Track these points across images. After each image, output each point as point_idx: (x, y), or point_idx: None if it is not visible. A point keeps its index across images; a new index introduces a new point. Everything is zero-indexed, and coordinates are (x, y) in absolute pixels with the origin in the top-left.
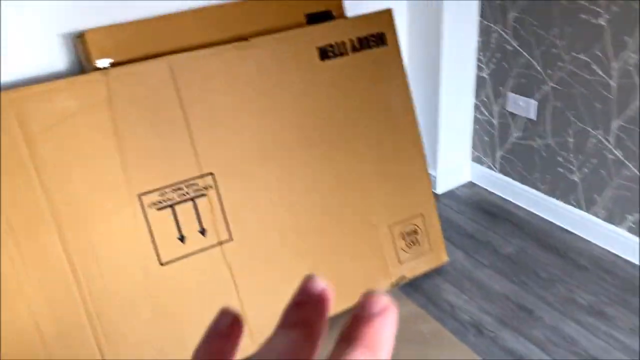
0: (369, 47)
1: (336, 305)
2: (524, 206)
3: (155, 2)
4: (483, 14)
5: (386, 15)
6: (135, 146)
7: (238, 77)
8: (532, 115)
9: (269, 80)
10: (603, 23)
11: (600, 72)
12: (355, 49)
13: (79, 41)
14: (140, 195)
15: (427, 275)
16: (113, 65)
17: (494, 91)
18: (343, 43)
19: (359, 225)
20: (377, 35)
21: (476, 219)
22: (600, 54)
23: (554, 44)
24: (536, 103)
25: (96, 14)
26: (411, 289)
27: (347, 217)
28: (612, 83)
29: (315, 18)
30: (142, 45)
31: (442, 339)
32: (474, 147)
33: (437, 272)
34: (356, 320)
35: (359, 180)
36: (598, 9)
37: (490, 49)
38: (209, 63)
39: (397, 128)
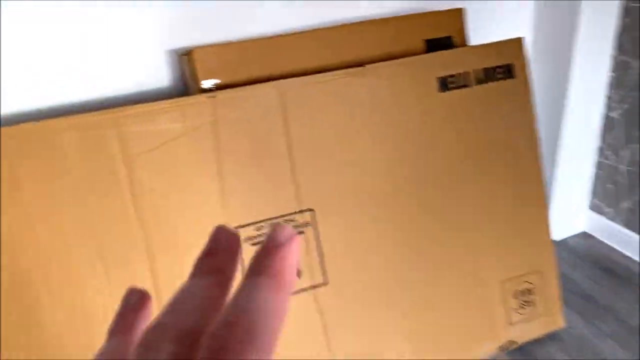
0: (495, 79)
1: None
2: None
3: (266, 22)
4: (620, 47)
5: (516, 44)
6: (235, 175)
7: (349, 106)
8: None
9: (382, 112)
10: None
11: None
12: (479, 81)
13: (185, 59)
14: (236, 228)
15: (538, 341)
16: (218, 86)
17: (626, 134)
18: (466, 73)
19: (466, 280)
20: (505, 66)
21: (595, 278)
22: None
23: None
24: None
25: (203, 30)
26: (521, 356)
27: (453, 269)
28: None
29: (435, 45)
30: (250, 67)
31: None
32: (595, 194)
33: (551, 338)
34: (262, 252)
35: (470, 227)
36: None
37: (625, 87)
38: (320, 90)
39: (520, 171)
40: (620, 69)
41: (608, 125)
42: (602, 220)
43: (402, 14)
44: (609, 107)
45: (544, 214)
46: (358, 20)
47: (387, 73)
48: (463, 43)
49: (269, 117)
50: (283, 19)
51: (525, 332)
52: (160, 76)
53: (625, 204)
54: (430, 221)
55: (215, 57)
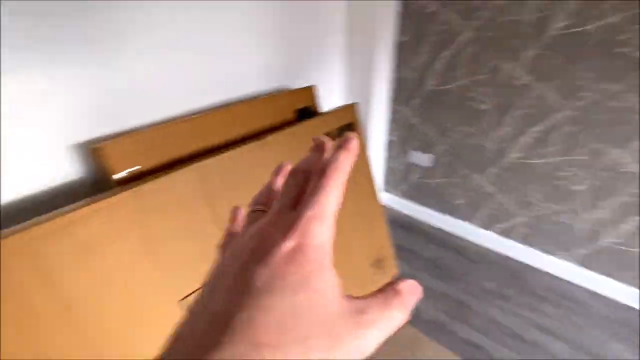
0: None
1: None
2: (425, 221)
3: (168, 108)
4: (393, 98)
5: (351, 108)
6: (169, 256)
7: (259, 174)
8: (429, 164)
9: None
10: (484, 108)
11: (484, 140)
12: (335, 138)
13: (94, 152)
14: (180, 302)
15: None
16: (131, 175)
17: (399, 152)
18: (329, 134)
19: (346, 262)
20: (348, 125)
21: (399, 234)
22: (478, 130)
23: (446, 121)
24: (433, 156)
25: (108, 122)
26: None
27: (339, 256)
28: (489, 146)
29: (302, 113)
30: (158, 151)
31: (420, 344)
32: (385, 182)
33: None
34: (344, 138)
35: (342, 227)
36: (482, 99)
37: (398, 122)
38: (234, 164)
39: (362, 189)
40: (395, 112)
41: (389, 144)
42: (392, 197)
43: (272, 91)
44: (390, 132)
45: (380, 211)
46: (243, 99)
47: (287, 140)
48: (317, 111)
49: (191, 198)
50: (179, 106)
51: (382, 284)
52: (69, 171)
53: (402, 187)
54: None
55: (123, 147)
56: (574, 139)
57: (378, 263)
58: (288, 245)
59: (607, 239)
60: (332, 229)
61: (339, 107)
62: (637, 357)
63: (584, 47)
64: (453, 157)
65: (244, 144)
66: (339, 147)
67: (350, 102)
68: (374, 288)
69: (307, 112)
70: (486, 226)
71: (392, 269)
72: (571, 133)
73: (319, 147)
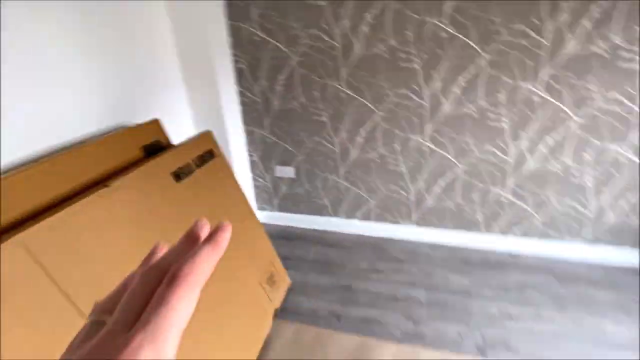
0: (207, 160)
1: (227, 355)
2: (301, 227)
3: None
4: (245, 121)
5: (208, 135)
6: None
7: (108, 223)
8: (293, 175)
9: (139, 215)
10: (324, 119)
11: (331, 145)
12: (198, 165)
13: None
14: None
15: (286, 299)
16: None
17: (265, 167)
18: (189, 164)
19: (237, 287)
20: (208, 151)
21: (282, 244)
22: (324, 138)
23: (298, 134)
24: (295, 168)
25: None
26: (284, 313)
27: (230, 288)
28: (336, 149)
29: (150, 149)
30: None
31: (322, 338)
32: (258, 201)
33: (290, 292)
34: (214, 230)
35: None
36: (320, 112)
37: (255, 142)
38: (75, 223)
39: (239, 210)
40: (249, 133)
41: (252, 165)
42: (267, 213)
43: (111, 130)
44: (250, 154)
45: (260, 229)
46: (78, 143)
47: (133, 183)
48: (170, 144)
49: (22, 279)
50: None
51: (278, 298)
52: None
53: (275, 201)
54: None
55: None
56: (389, 134)
57: (270, 279)
58: None
59: (430, 202)
60: (173, 348)
61: (193, 136)
62: (468, 282)
63: (378, 64)
64: (311, 164)
65: (84, 195)
66: (206, 240)
67: (203, 130)
68: (270, 305)
69: (156, 146)
70: (349, 216)
71: (284, 281)
72: (385, 130)
73: (189, 237)
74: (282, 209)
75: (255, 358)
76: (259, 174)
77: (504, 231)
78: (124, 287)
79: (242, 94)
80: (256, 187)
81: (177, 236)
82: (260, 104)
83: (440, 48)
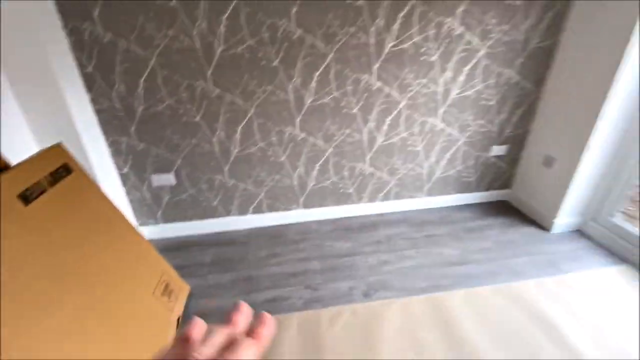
0: (62, 177)
1: None
2: (191, 233)
3: None
4: (105, 131)
5: (58, 148)
6: None
7: None
8: (174, 181)
9: None
10: (197, 120)
11: (210, 145)
12: (51, 183)
13: None
14: None
15: (188, 305)
16: None
17: (139, 178)
18: (39, 182)
19: (134, 308)
20: (62, 166)
21: (176, 255)
22: (202, 139)
23: (171, 138)
24: (174, 174)
25: None
26: (189, 319)
27: (125, 309)
28: (216, 149)
29: None
30: None
31: None
32: (138, 217)
33: (193, 297)
34: (257, 323)
35: (122, 273)
36: (192, 113)
37: (123, 153)
38: None
39: (112, 230)
40: (114, 144)
41: (123, 178)
42: (151, 228)
43: None
44: (120, 168)
45: (144, 243)
46: None
47: None
48: (6, 166)
49: None
50: None
51: (179, 307)
52: None
53: (159, 212)
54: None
55: None
56: (264, 128)
57: (166, 290)
58: None
59: (311, 185)
60: None
61: (39, 152)
62: (351, 244)
63: (242, 64)
64: (192, 168)
65: None
66: (250, 334)
67: (51, 144)
68: (172, 315)
69: None
70: (242, 212)
71: (183, 289)
72: (259, 125)
73: (231, 319)
74: (167, 219)
75: None
76: (134, 186)
77: (371, 198)
78: (220, 335)
79: (96, 102)
80: (132, 201)
81: (36, 271)
82: (122, 111)
83: (294, 48)
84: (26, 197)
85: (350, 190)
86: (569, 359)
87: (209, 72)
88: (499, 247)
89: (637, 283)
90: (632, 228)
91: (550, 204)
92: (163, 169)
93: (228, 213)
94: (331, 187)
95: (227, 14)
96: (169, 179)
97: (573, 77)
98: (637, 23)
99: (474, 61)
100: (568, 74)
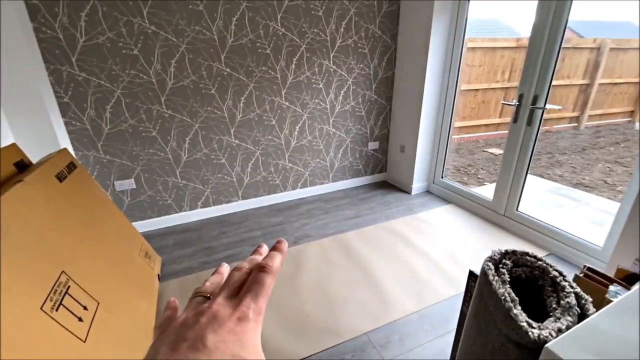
0: (72, 170)
1: (136, 301)
2: (151, 229)
3: None
4: (76, 147)
5: (66, 151)
6: None
7: (30, 208)
8: (133, 186)
9: (49, 204)
10: (154, 134)
11: (164, 154)
12: (68, 172)
13: None
14: None
15: (162, 270)
16: None
17: (104, 185)
18: (62, 170)
19: (128, 259)
20: (70, 164)
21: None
22: (158, 149)
23: (132, 150)
24: (133, 180)
25: None
26: (165, 277)
27: (124, 258)
28: (169, 156)
29: (20, 165)
30: None
31: (201, 275)
32: None
33: (164, 265)
34: (278, 243)
35: (112, 244)
36: (150, 129)
37: (90, 164)
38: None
39: (107, 207)
40: (83, 158)
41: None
42: None
43: None
44: (90, 174)
45: (126, 220)
46: None
47: (37, 179)
48: (30, 161)
49: None
50: None
51: (157, 267)
52: None
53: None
54: (97, 248)
55: None
56: (207, 138)
57: (146, 255)
58: (234, 319)
59: (247, 180)
60: (264, 308)
61: (53, 152)
62: (282, 219)
63: (187, 92)
64: (149, 173)
65: (3, 190)
66: (274, 249)
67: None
68: (153, 272)
69: (23, 164)
70: (192, 207)
71: (157, 258)
72: (203, 136)
73: (256, 251)
74: (129, 219)
75: (155, 305)
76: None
77: (294, 187)
78: (216, 276)
79: (68, 124)
80: None
81: (70, 223)
82: (91, 131)
83: (225, 80)
84: (60, 178)
85: (277, 182)
86: (418, 256)
87: (163, 99)
88: (379, 206)
89: (458, 213)
90: (454, 183)
91: (408, 177)
92: (125, 176)
93: (181, 209)
94: (262, 180)
95: (175, 59)
96: (129, 183)
97: (405, 93)
98: (427, 63)
99: (346, 87)
100: (402, 92)
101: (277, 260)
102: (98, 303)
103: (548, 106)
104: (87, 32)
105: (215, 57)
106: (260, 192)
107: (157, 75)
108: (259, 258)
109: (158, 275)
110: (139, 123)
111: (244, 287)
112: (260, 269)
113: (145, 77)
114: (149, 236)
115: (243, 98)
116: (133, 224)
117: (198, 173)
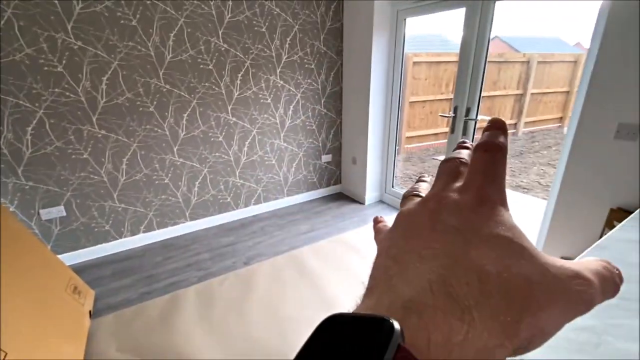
0: None
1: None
2: (87, 259)
3: None
4: None
5: None
6: None
7: None
8: (63, 213)
9: None
10: (85, 156)
11: (98, 177)
12: None
13: None
14: None
15: (96, 304)
16: None
17: (27, 214)
18: None
19: (48, 300)
20: None
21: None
22: (91, 172)
23: (60, 174)
24: (63, 206)
25: None
26: (99, 312)
27: (43, 300)
28: (105, 178)
29: None
30: None
31: (140, 308)
32: None
33: (99, 299)
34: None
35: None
36: (80, 151)
37: (9, 193)
38: None
39: (26, 243)
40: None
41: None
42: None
43: None
44: (5, 204)
45: (51, 254)
46: None
47: None
48: None
49: None
50: None
51: (89, 303)
52: None
53: (49, 246)
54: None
55: None
56: (146, 158)
57: (76, 290)
58: (473, 204)
59: (194, 200)
60: (504, 183)
61: None
62: (234, 238)
63: (123, 111)
64: (82, 198)
65: None
66: (487, 129)
67: None
68: (83, 308)
69: None
70: (134, 232)
71: (89, 292)
72: (142, 155)
73: (461, 146)
74: (60, 250)
75: (84, 347)
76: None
77: (246, 204)
78: (420, 183)
79: None
80: None
81: None
82: (8, 155)
83: (165, 97)
84: None
85: (228, 200)
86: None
87: (95, 118)
88: (334, 219)
89: None
90: (405, 191)
91: (361, 188)
92: (53, 203)
93: (121, 235)
94: (212, 199)
95: (107, 75)
96: (58, 211)
97: (353, 107)
98: (370, 77)
99: (295, 101)
100: (350, 105)
101: (501, 137)
102: (6, 353)
103: (480, 117)
104: (2, 48)
105: (152, 73)
106: (211, 212)
107: (86, 94)
108: (464, 152)
109: (90, 311)
110: (66, 145)
111: (467, 173)
112: (486, 147)
113: (72, 95)
114: (83, 267)
115: (186, 115)
116: (64, 255)
117: (139, 195)
